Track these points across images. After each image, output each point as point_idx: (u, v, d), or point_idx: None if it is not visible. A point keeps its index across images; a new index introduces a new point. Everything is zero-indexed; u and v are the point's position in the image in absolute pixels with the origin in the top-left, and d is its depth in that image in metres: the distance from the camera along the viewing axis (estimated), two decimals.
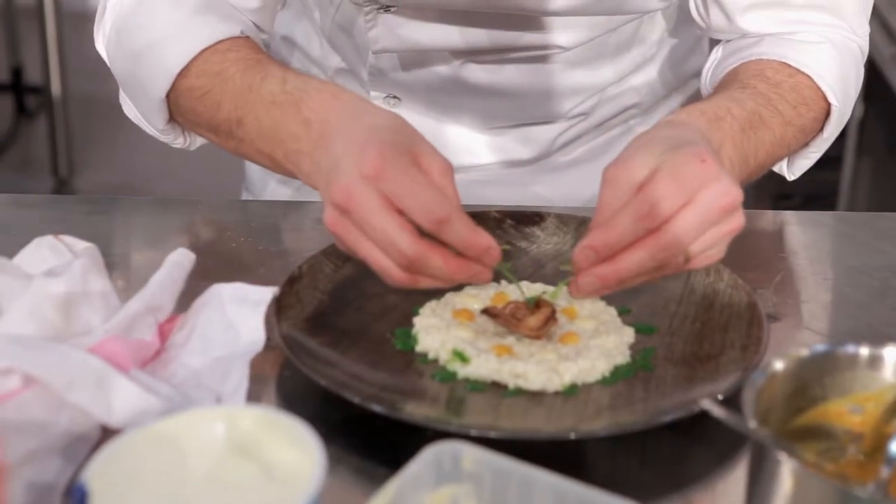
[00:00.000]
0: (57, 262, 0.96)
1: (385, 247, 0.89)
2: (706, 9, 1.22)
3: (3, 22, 3.96)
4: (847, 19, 1.19)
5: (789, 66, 1.14)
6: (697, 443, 0.88)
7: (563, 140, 1.33)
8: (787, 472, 0.70)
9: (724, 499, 0.85)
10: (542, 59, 1.25)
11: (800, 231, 1.22)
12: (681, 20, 1.34)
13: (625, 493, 0.71)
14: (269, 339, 0.92)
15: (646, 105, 1.36)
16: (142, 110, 1.15)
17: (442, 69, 1.26)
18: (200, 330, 0.93)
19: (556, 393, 0.90)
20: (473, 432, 0.83)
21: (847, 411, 0.79)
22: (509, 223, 1.10)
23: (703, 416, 0.80)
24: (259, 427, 0.73)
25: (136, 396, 0.84)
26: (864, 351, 0.80)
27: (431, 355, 0.94)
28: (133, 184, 3.59)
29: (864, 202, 2.72)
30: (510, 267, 0.95)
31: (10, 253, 0.97)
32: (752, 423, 0.73)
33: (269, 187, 1.39)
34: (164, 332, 0.94)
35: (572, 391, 0.90)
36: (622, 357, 0.94)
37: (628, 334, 0.97)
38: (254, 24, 1.16)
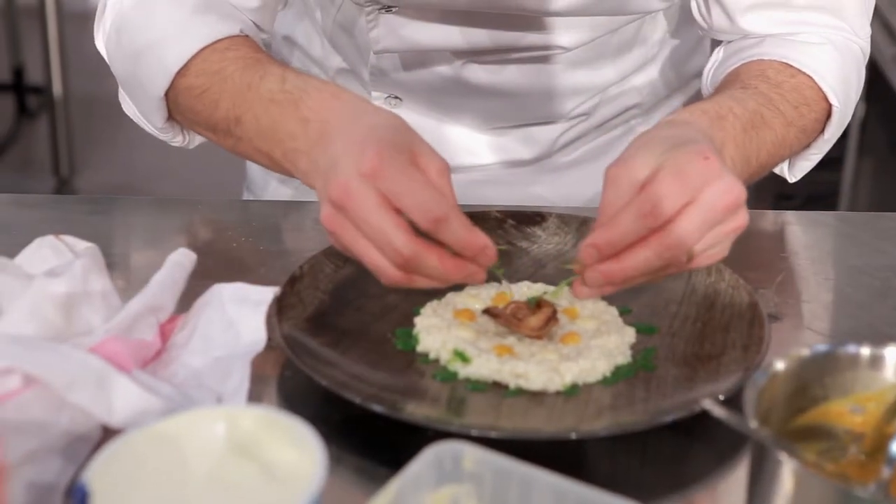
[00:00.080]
0: (58, 261, 0.96)
1: (381, 245, 0.89)
2: (708, 9, 1.22)
3: (5, 22, 3.96)
4: (848, 21, 1.19)
5: (791, 66, 1.14)
6: (698, 443, 0.88)
7: (564, 140, 1.33)
8: (787, 473, 0.70)
9: (725, 499, 0.85)
10: (544, 60, 1.25)
11: (801, 231, 1.22)
12: (682, 20, 1.34)
13: (625, 493, 0.71)
14: (269, 339, 0.92)
15: (647, 105, 1.36)
16: (141, 108, 1.15)
17: (443, 69, 1.26)
18: (201, 330, 0.93)
19: (557, 393, 0.90)
20: (474, 432, 0.83)
21: (848, 411, 0.79)
22: (510, 223, 1.10)
23: (704, 416, 0.80)
24: (260, 427, 0.73)
25: (136, 396, 0.84)
26: (865, 351, 0.80)
27: (432, 355, 0.94)
28: (134, 184, 3.59)
29: (865, 202, 2.72)
30: (499, 265, 0.95)
31: (11, 253, 0.97)
32: (753, 423, 0.73)
33: (271, 187, 1.39)
34: (165, 333, 0.94)
35: (573, 391, 0.90)
36: (623, 357, 0.94)
37: (629, 334, 0.97)
38: (254, 23, 1.16)
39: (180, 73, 1.09)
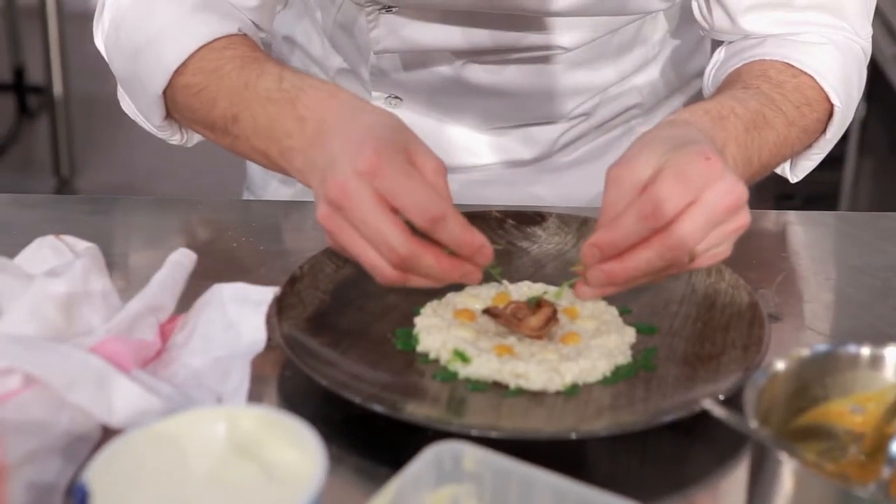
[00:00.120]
0: (58, 261, 0.96)
1: (377, 244, 0.89)
2: (709, 10, 1.22)
3: (5, 22, 3.96)
4: (850, 21, 1.19)
5: (792, 66, 1.14)
6: (698, 443, 0.88)
7: (564, 140, 1.33)
8: (787, 472, 0.70)
9: (725, 499, 0.85)
10: (544, 60, 1.25)
11: (801, 231, 1.22)
12: (683, 20, 1.34)
13: (625, 493, 0.71)
14: (270, 339, 0.92)
15: (647, 105, 1.36)
16: (139, 106, 1.15)
17: (443, 69, 1.26)
18: (201, 330, 0.93)
19: (557, 393, 0.90)
20: (474, 432, 0.83)
21: (848, 411, 0.79)
22: (510, 223, 1.10)
23: (704, 415, 0.80)
24: (260, 427, 0.73)
25: (136, 396, 0.84)
26: (866, 351, 0.80)
27: (432, 355, 0.94)
28: (134, 184, 3.59)
29: (865, 202, 2.72)
30: (495, 264, 0.95)
31: (12, 253, 0.97)
32: (753, 423, 0.73)
33: (271, 187, 1.39)
34: (165, 332, 0.94)
35: (573, 391, 0.90)
36: (623, 357, 0.94)
37: (629, 334, 0.97)
38: (252, 22, 1.16)
39: (178, 71, 1.09)
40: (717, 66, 1.22)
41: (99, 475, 0.68)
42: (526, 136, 1.32)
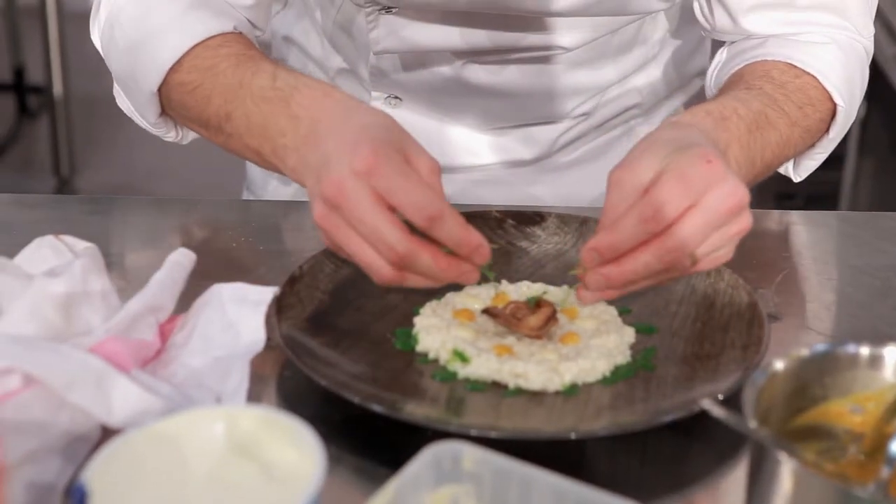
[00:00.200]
0: (57, 261, 0.96)
1: (375, 242, 0.89)
2: (711, 10, 1.22)
3: (5, 22, 3.96)
4: (852, 20, 1.19)
5: (795, 66, 1.14)
6: (698, 443, 0.88)
7: (564, 140, 1.33)
8: (787, 472, 0.70)
9: (725, 499, 0.85)
10: (544, 60, 1.25)
11: (802, 231, 1.22)
12: (683, 20, 1.34)
13: (625, 493, 0.71)
14: (269, 338, 0.92)
15: (647, 105, 1.36)
16: (134, 103, 1.16)
17: (443, 70, 1.26)
18: (201, 330, 0.93)
19: (557, 393, 0.90)
20: (473, 432, 0.83)
21: (847, 411, 0.79)
22: (510, 223, 1.10)
23: (704, 415, 0.80)
24: (259, 427, 0.73)
25: (136, 396, 0.84)
26: (865, 351, 0.80)
27: (432, 355, 0.94)
28: (134, 183, 3.59)
29: (866, 202, 2.72)
30: (489, 264, 0.95)
31: (11, 253, 0.97)
32: (753, 423, 0.73)
33: (270, 187, 1.39)
34: (164, 332, 0.94)
35: (573, 391, 0.90)
36: (623, 357, 0.94)
37: (629, 334, 0.97)
38: (248, 20, 1.16)
39: (173, 68, 1.09)
40: (719, 66, 1.22)
41: (98, 475, 0.68)
42: (526, 136, 1.32)
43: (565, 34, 1.22)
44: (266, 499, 0.70)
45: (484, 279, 0.97)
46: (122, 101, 1.19)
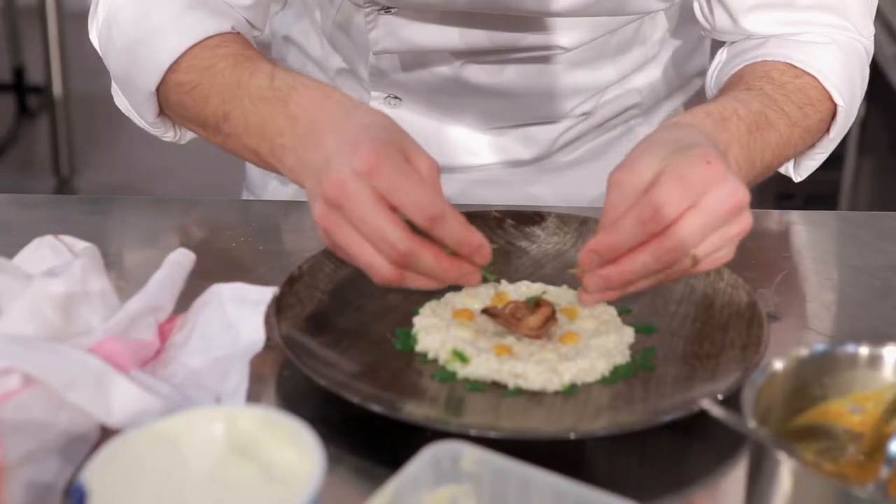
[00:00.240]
0: (57, 261, 0.96)
1: (376, 241, 0.89)
2: (710, 10, 1.22)
3: (5, 22, 3.96)
4: (852, 20, 1.19)
5: (795, 67, 1.14)
6: (697, 443, 0.88)
7: (563, 140, 1.33)
8: (786, 472, 0.70)
9: (724, 499, 0.85)
10: (544, 60, 1.25)
11: (802, 231, 1.22)
12: (683, 20, 1.34)
13: (624, 492, 0.71)
14: (268, 338, 0.92)
15: (647, 105, 1.36)
16: (132, 103, 1.16)
17: (443, 70, 1.26)
18: (200, 330, 0.93)
19: (556, 393, 0.90)
20: (473, 432, 0.83)
21: (847, 411, 0.79)
22: (510, 223, 1.10)
23: (703, 415, 0.80)
24: (259, 427, 0.73)
25: (135, 396, 0.84)
26: (864, 350, 0.80)
27: (431, 355, 0.94)
28: (134, 183, 3.59)
29: (865, 201, 2.72)
30: (488, 264, 0.95)
31: (11, 253, 0.97)
32: (752, 423, 0.73)
33: (270, 187, 1.39)
34: (163, 332, 0.94)
35: (572, 391, 0.90)
36: (622, 357, 0.94)
37: (628, 334, 0.97)
38: (246, 20, 1.16)
39: (171, 68, 1.09)
40: (719, 67, 1.22)
41: (97, 475, 0.68)
42: (525, 136, 1.32)
43: (564, 34, 1.22)
44: (265, 499, 0.70)
45: (483, 279, 0.97)
46: (120, 101, 1.19)
